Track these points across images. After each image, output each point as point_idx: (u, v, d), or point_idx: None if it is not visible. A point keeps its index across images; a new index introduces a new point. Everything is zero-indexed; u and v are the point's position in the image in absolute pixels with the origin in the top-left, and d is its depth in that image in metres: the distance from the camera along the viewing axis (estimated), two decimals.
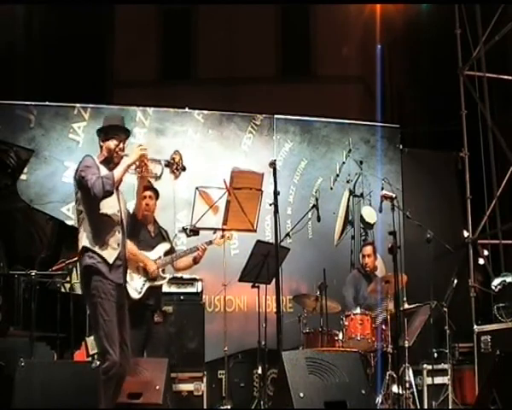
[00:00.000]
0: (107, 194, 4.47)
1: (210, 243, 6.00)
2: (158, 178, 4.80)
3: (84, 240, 4.51)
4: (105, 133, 4.71)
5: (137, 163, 4.66)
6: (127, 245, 5.81)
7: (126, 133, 4.78)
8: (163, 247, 6.00)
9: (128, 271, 5.81)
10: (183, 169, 4.73)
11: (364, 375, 4.85)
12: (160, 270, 5.89)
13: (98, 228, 4.53)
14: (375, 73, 13.01)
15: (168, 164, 4.68)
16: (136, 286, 5.77)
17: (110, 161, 4.66)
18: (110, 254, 4.54)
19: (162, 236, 6.10)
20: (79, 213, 4.59)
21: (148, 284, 5.82)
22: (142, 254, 5.87)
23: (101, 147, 4.73)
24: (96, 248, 4.50)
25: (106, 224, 4.55)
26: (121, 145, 4.68)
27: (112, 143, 4.66)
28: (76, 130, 7.75)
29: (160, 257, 5.94)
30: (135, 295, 5.75)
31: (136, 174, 4.73)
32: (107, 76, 15.07)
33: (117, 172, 4.53)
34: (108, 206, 4.55)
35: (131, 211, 6.15)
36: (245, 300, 7.88)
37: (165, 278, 5.93)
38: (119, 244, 4.61)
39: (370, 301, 7.02)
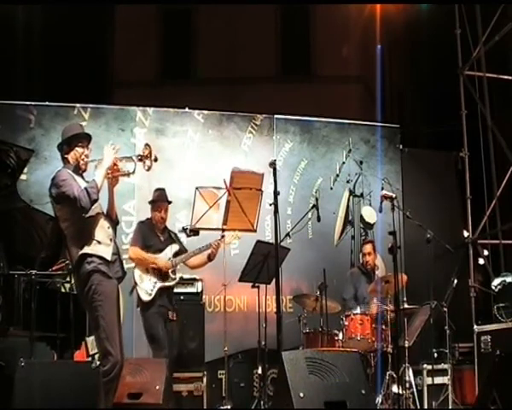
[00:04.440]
0: (95, 202, 4.53)
1: (222, 237, 6.05)
2: (131, 174, 4.83)
3: (78, 249, 4.53)
4: (68, 145, 4.71)
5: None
6: (136, 252, 5.89)
7: (88, 139, 4.81)
8: (172, 248, 6.06)
9: (138, 273, 5.87)
10: (155, 160, 4.76)
11: (364, 375, 4.84)
12: (170, 271, 5.93)
13: (88, 231, 4.56)
14: (375, 73, 13.00)
15: (141, 158, 4.71)
16: (146, 288, 5.81)
17: (78, 168, 4.69)
18: (107, 252, 4.58)
19: (171, 238, 6.16)
20: (65, 229, 4.59)
21: (158, 285, 5.86)
22: (150, 255, 5.91)
23: (64, 159, 4.73)
24: (93, 250, 4.52)
25: (93, 224, 4.58)
26: (86, 152, 4.72)
27: (77, 153, 4.69)
28: None
29: (169, 258, 5.98)
30: (145, 297, 5.79)
31: (107, 177, 4.70)
32: (107, 76, 15.07)
33: (98, 178, 4.57)
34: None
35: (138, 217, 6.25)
36: (245, 300, 7.88)
37: (175, 279, 5.98)
38: (111, 239, 4.66)
39: (369, 300, 7.01)
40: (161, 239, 6.12)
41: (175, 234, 6.28)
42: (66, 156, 4.72)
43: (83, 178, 4.71)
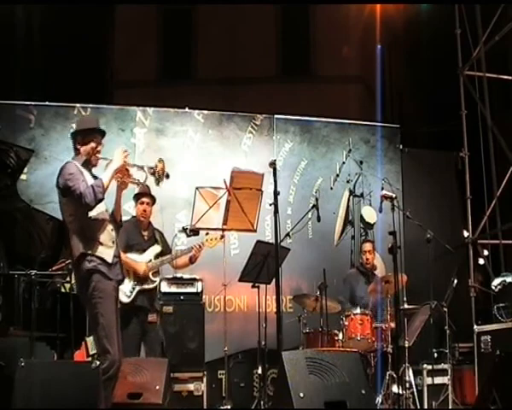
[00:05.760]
0: (100, 202, 4.51)
1: (202, 244, 6.00)
2: (141, 183, 4.84)
3: (79, 247, 4.51)
4: (82, 136, 4.69)
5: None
6: None
7: (103, 135, 4.78)
8: (153, 250, 6.02)
9: None
10: (167, 177, 4.71)
11: (364, 375, 4.84)
12: (151, 273, 5.90)
13: (91, 231, 4.54)
14: (375, 73, 13.02)
15: (153, 172, 4.67)
16: (125, 290, 5.76)
17: (88, 163, 4.68)
18: (108, 254, 4.57)
19: (155, 239, 6.11)
20: (69, 224, 4.56)
21: (138, 288, 5.84)
22: (130, 258, 5.86)
23: (76, 149, 4.70)
24: (94, 251, 4.51)
25: (97, 225, 4.56)
26: (99, 148, 4.70)
27: (89, 147, 4.67)
28: None
29: (150, 260, 5.95)
30: (124, 299, 5.74)
31: (117, 179, 4.67)
32: (107, 76, 15.08)
33: (105, 178, 4.54)
34: (95, 209, 4.55)
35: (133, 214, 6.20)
36: (245, 300, 7.88)
37: (154, 282, 5.94)
38: (113, 242, 4.64)
39: (366, 301, 7.02)
40: (145, 238, 6.05)
41: (160, 233, 6.22)
42: (78, 147, 4.70)
43: (91, 173, 4.69)
